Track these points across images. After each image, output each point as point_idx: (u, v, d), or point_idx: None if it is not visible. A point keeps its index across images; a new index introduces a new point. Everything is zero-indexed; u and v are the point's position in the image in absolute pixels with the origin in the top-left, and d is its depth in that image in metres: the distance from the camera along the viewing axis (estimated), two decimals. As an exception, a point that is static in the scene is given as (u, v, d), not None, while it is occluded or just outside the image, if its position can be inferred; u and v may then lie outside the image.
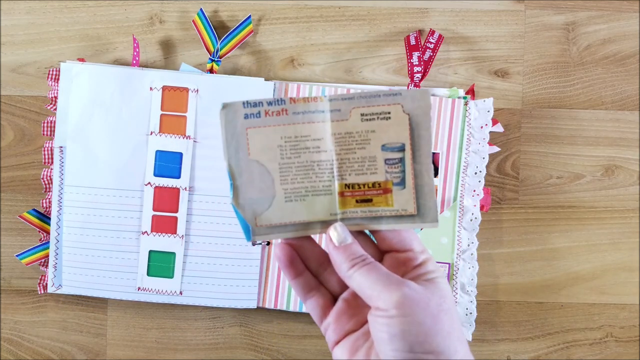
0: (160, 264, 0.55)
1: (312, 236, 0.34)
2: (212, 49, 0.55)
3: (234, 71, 0.57)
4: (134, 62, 0.55)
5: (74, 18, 0.57)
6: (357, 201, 0.33)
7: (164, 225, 0.55)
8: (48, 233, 0.56)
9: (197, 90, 0.54)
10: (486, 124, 0.55)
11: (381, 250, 0.34)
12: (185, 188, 0.55)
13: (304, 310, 0.56)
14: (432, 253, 0.51)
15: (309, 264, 0.34)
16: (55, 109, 0.55)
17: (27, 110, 0.57)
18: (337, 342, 0.33)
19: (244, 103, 0.32)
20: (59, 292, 0.55)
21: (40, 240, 0.56)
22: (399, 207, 0.33)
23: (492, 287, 0.57)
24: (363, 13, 0.57)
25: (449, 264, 0.55)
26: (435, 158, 0.55)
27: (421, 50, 0.55)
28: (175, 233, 0.55)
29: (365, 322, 0.32)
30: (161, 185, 0.55)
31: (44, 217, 0.56)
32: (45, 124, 0.55)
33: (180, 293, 0.55)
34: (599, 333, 0.57)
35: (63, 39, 0.57)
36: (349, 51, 0.57)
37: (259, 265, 0.55)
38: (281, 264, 0.34)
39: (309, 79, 0.57)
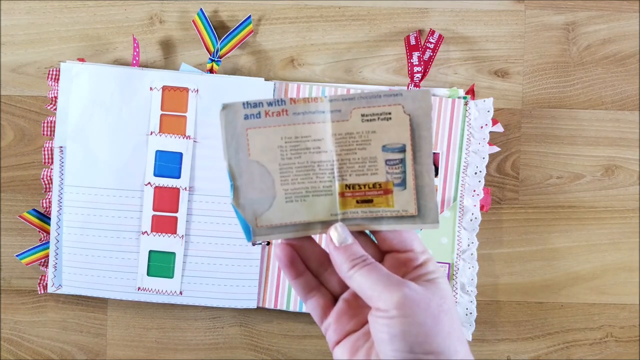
0: (160, 264, 0.55)
1: (313, 236, 0.34)
2: (212, 49, 0.55)
3: (234, 71, 0.57)
4: (134, 62, 0.55)
5: (74, 18, 0.57)
6: (357, 202, 0.33)
7: (164, 225, 0.55)
8: (48, 233, 0.56)
9: (197, 90, 0.54)
10: (486, 124, 0.55)
11: (382, 251, 0.34)
12: (185, 188, 0.55)
13: (304, 310, 0.56)
14: (432, 253, 0.51)
15: (309, 264, 0.34)
16: (55, 109, 0.55)
17: (27, 110, 0.57)
18: (338, 342, 0.33)
19: (244, 104, 0.32)
20: (59, 292, 0.55)
21: (40, 240, 0.56)
22: (399, 207, 0.33)
23: (492, 287, 0.57)
24: (363, 13, 0.57)
25: (449, 264, 0.55)
26: (435, 158, 0.55)
27: (421, 50, 0.55)
28: (175, 233, 0.55)
29: (366, 322, 0.32)
30: (161, 185, 0.55)
31: (44, 217, 0.56)
32: (45, 124, 0.55)
33: (180, 293, 0.55)
34: (599, 333, 0.57)
35: (63, 39, 0.57)
36: (349, 51, 0.57)
37: (259, 265, 0.55)
38: (282, 264, 0.34)
39: (309, 79, 0.57)
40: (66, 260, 0.55)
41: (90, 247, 0.55)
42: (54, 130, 0.55)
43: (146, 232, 0.55)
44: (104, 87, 0.54)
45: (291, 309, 0.56)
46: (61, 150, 0.55)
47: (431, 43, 0.55)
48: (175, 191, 0.55)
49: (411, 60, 0.55)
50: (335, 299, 0.34)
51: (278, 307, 0.56)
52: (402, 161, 0.32)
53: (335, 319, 0.33)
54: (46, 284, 0.56)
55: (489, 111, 0.55)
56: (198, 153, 0.55)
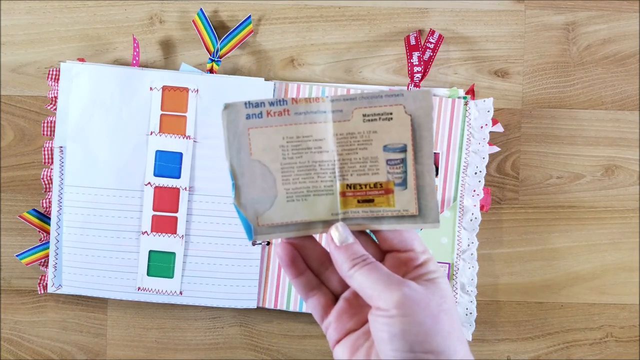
0: (160, 264, 0.55)
1: (314, 236, 0.34)
2: (212, 49, 0.55)
3: (234, 71, 0.57)
4: (134, 62, 0.55)
5: (74, 18, 0.57)
6: (358, 201, 0.33)
7: (164, 225, 0.55)
8: (48, 233, 0.56)
9: (197, 90, 0.54)
10: (486, 124, 0.55)
11: (382, 250, 0.34)
12: (185, 188, 0.55)
13: (304, 310, 0.56)
14: (432, 253, 0.51)
15: (310, 263, 0.35)
16: (55, 109, 0.55)
17: (27, 110, 0.57)
18: (338, 341, 0.33)
19: (245, 103, 0.32)
20: (59, 292, 0.55)
21: (40, 240, 0.56)
22: (400, 207, 0.33)
23: (492, 287, 0.57)
24: (363, 13, 0.57)
25: (449, 264, 0.55)
26: (435, 158, 0.55)
27: (421, 50, 0.55)
28: (175, 233, 0.55)
29: (366, 321, 0.32)
30: (161, 185, 0.55)
31: (44, 217, 0.56)
32: (45, 124, 0.55)
33: (180, 293, 0.55)
34: (599, 333, 0.57)
35: (63, 39, 0.57)
36: (349, 51, 0.57)
37: (259, 265, 0.55)
38: (283, 263, 0.34)
39: (309, 79, 0.57)
40: (66, 260, 0.55)
41: (90, 247, 0.55)
42: (54, 130, 0.55)
43: (146, 232, 0.55)
44: (104, 87, 0.54)
45: (291, 309, 0.56)
46: (61, 150, 0.55)
47: (431, 43, 0.55)
48: (175, 191, 0.55)
49: (411, 60, 0.55)
50: (335, 298, 0.34)
51: (278, 307, 0.56)
52: (403, 161, 0.32)
53: (336, 318, 0.33)
54: (46, 284, 0.56)
55: (489, 111, 0.55)
56: (198, 153, 0.55)
